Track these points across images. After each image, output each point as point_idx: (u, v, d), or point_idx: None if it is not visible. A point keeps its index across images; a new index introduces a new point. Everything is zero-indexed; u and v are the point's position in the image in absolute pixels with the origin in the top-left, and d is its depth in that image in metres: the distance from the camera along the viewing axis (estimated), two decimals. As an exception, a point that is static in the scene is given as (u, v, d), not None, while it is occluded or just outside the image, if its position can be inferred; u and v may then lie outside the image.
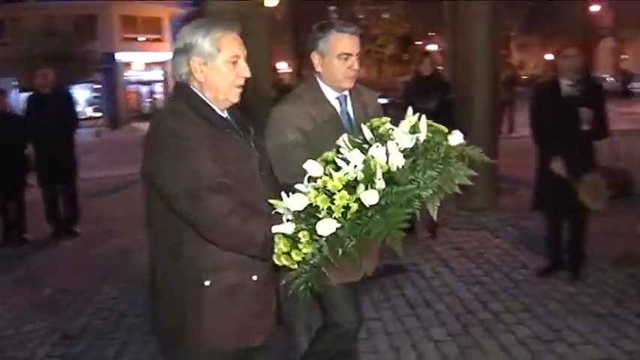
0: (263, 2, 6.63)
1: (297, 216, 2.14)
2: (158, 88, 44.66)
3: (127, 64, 42.55)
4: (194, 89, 2.39)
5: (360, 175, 2.10)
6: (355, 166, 2.14)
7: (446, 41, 10.66)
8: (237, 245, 2.26)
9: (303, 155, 2.98)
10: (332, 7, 36.05)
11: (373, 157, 2.13)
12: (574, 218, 5.73)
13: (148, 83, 44.55)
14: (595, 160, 5.59)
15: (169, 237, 2.35)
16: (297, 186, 2.22)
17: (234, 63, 2.39)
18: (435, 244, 7.17)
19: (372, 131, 2.29)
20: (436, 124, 2.31)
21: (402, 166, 2.12)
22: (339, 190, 2.07)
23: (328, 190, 2.09)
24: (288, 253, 2.12)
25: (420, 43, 40.59)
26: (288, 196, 2.18)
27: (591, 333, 4.62)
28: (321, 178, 2.14)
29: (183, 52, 2.37)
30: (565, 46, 5.63)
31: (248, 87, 6.13)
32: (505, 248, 6.91)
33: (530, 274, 5.96)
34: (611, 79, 39.15)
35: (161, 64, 44.45)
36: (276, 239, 2.15)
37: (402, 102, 7.97)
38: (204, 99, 2.39)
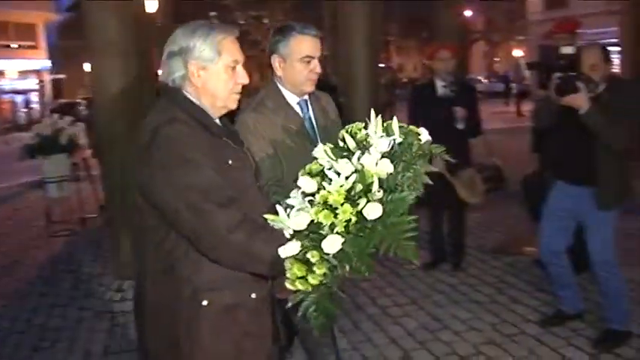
0: (144, 7, 6.54)
1: (299, 233, 2.01)
2: (34, 97, 42.88)
3: (0, 73, 40.60)
4: (188, 95, 2.23)
5: (358, 187, 1.99)
6: (347, 178, 2.01)
7: (327, 45, 10.85)
8: (243, 263, 2.10)
9: (271, 165, 2.89)
10: (213, 13, 35.81)
11: (363, 167, 2.02)
12: (453, 212, 6.02)
13: (24, 92, 42.60)
14: (470, 157, 5.88)
15: (162, 254, 2.17)
16: (290, 200, 2.09)
17: (234, 68, 2.25)
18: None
19: (352, 138, 2.16)
20: (406, 125, 2.22)
21: (391, 173, 2.05)
22: (341, 205, 1.96)
23: (330, 205, 1.97)
24: (303, 277, 1.98)
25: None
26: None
27: (474, 320, 4.86)
28: (318, 192, 2.01)
29: (178, 55, 2.19)
30: (439, 49, 5.87)
31: (132, 94, 5.98)
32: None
33: (415, 268, 6.18)
34: (485, 80, 41.01)
35: (37, 72, 42.71)
36: (288, 264, 1.99)
37: None
38: (200, 106, 2.23)
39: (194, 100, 2.22)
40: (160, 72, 2.28)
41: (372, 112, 2.21)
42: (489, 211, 7.26)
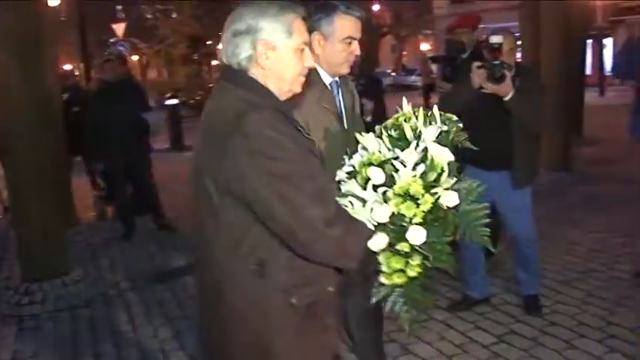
0: (46, 1, 6.36)
1: (380, 226, 1.96)
2: None
3: None
4: (256, 78, 2.05)
5: (431, 176, 1.97)
6: (414, 168, 1.97)
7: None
8: (335, 257, 1.98)
9: None
10: (119, 7, 35.01)
11: (430, 155, 2.00)
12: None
13: None
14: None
15: (243, 251, 1.98)
16: (360, 193, 2.02)
17: (302, 50, 2.09)
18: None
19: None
20: (442, 113, 2.23)
21: (452, 161, 2.04)
22: (422, 195, 1.92)
23: (411, 196, 1.93)
24: (401, 270, 1.93)
25: (211, 42, 40.49)
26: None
27: (385, 309, 4.95)
28: (393, 184, 1.96)
29: (245, 34, 2.01)
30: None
31: (34, 90, 5.79)
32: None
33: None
34: (394, 73, 41.76)
35: None
36: (383, 258, 1.94)
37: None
38: (270, 90, 2.06)
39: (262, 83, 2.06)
40: (221, 51, 2.09)
41: (404, 100, 2.22)
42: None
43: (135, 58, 38.43)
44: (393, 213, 1.94)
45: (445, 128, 2.14)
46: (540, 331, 4.41)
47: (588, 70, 20.89)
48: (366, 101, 5.65)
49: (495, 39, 4.12)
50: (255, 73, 2.05)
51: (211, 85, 36.82)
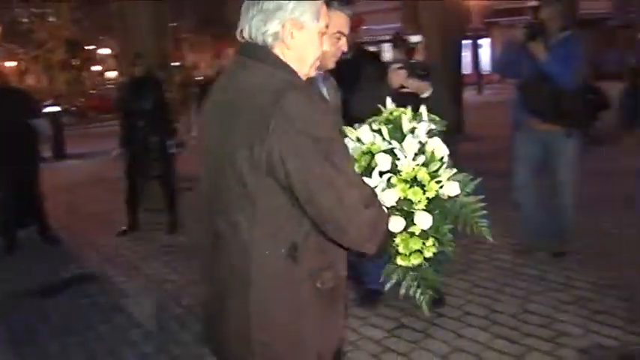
0: None
1: (389, 210, 2.01)
2: None
3: None
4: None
5: (434, 165, 2.04)
6: (414, 157, 2.04)
7: (117, 44, 10.58)
8: (366, 240, 1.94)
9: None
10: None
11: (428, 147, 2.08)
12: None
13: None
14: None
15: (278, 236, 1.91)
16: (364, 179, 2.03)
17: (324, 34, 2.08)
18: (122, 248, 7.17)
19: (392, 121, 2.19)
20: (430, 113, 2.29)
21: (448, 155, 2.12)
22: (428, 182, 1.98)
23: (419, 182, 1.99)
24: (419, 251, 1.99)
25: (92, 47, 39.34)
26: None
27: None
28: (399, 170, 2.02)
29: (274, 11, 1.96)
30: (226, 47, 5.96)
31: None
32: (185, 246, 7.00)
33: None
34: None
35: None
36: (399, 240, 1.97)
37: (117, 103, 7.97)
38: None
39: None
40: (242, 28, 2.03)
41: (388, 100, 2.29)
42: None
43: (11, 64, 36.72)
44: (400, 198, 2.01)
45: (433, 126, 2.23)
46: (429, 322, 4.54)
47: (467, 70, 21.73)
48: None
49: (415, 38, 4.25)
50: (277, 51, 2.01)
51: (92, 91, 35.97)
